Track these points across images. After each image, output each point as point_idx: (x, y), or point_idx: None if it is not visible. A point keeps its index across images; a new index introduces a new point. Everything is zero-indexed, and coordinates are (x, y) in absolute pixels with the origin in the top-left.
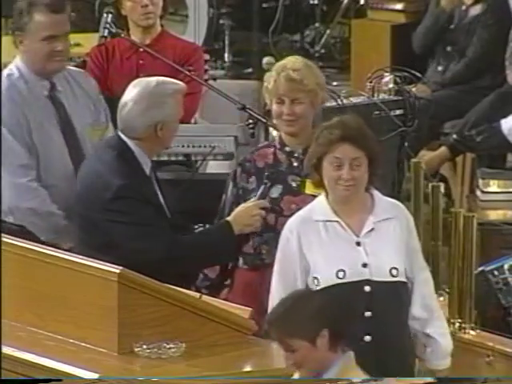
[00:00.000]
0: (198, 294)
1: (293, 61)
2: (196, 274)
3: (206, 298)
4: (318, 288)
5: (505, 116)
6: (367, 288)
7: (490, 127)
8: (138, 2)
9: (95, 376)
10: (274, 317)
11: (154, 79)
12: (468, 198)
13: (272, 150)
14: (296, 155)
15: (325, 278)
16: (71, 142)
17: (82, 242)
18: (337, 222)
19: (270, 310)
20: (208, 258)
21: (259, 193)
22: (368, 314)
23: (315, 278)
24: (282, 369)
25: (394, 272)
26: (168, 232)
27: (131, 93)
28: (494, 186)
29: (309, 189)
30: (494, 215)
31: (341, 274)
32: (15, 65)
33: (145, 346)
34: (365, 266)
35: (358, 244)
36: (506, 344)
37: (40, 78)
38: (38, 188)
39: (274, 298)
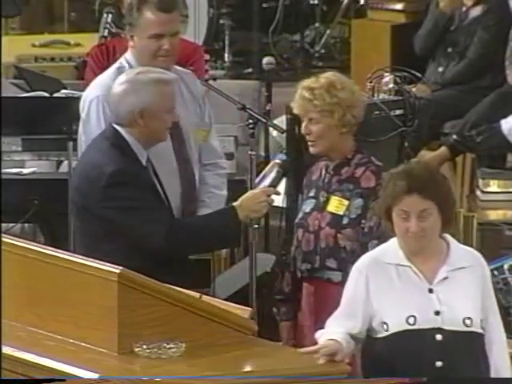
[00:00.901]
0: (198, 294)
1: (315, 79)
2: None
3: (206, 297)
4: (387, 333)
5: (505, 116)
6: (439, 337)
7: (490, 127)
8: None
9: (95, 376)
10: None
11: (141, 68)
12: (468, 197)
13: (323, 163)
14: (329, 171)
15: (395, 323)
16: (177, 142)
17: (83, 234)
18: (409, 267)
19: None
20: (211, 241)
21: (270, 180)
22: (439, 363)
23: (384, 323)
24: (282, 369)
25: (468, 322)
26: (168, 215)
27: (119, 79)
28: (494, 186)
29: (331, 207)
30: (494, 215)
31: (411, 320)
32: (125, 58)
33: (145, 346)
34: (437, 313)
35: (431, 291)
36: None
37: None
38: None
39: (326, 333)
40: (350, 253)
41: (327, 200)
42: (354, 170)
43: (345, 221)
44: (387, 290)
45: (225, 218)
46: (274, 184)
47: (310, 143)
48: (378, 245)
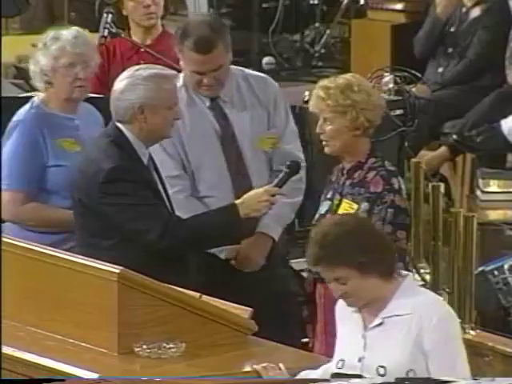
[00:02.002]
0: (197, 294)
1: (333, 79)
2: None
3: (206, 297)
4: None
5: (505, 116)
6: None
7: (490, 127)
8: (141, 2)
9: (95, 376)
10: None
11: (141, 66)
12: (468, 198)
13: (341, 165)
14: (343, 173)
15: (332, 365)
16: (230, 154)
17: (82, 229)
18: (357, 311)
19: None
20: (210, 238)
21: (276, 180)
22: None
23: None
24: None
25: (382, 371)
26: (166, 212)
27: (119, 78)
28: (494, 186)
29: (341, 210)
30: (494, 215)
31: (340, 364)
32: (183, 72)
33: (145, 346)
34: (359, 360)
35: (363, 336)
36: (506, 344)
37: None
38: (186, 199)
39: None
40: None
41: (339, 203)
42: (366, 174)
43: None
44: (342, 330)
45: (225, 215)
46: (280, 184)
47: (323, 143)
48: None
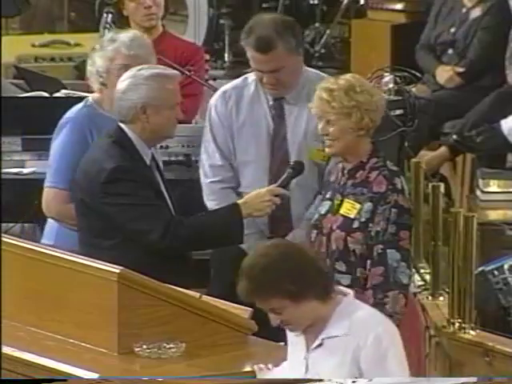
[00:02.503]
0: (198, 294)
1: (334, 80)
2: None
3: (206, 297)
4: None
5: (505, 116)
6: None
7: (490, 128)
8: (141, 3)
9: (95, 376)
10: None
11: (143, 65)
12: (468, 198)
13: (340, 165)
14: (344, 173)
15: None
16: (277, 156)
17: (83, 229)
18: (300, 333)
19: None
20: (212, 238)
21: (280, 180)
22: None
23: None
24: None
25: None
26: (168, 213)
27: (121, 78)
28: (494, 186)
29: (343, 210)
30: (494, 215)
31: None
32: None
33: (145, 346)
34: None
35: (305, 358)
36: (506, 344)
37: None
38: (222, 190)
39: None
40: (359, 256)
41: (341, 203)
42: (368, 174)
43: (355, 224)
44: (289, 352)
45: (227, 215)
46: (284, 184)
47: (326, 144)
48: (382, 250)
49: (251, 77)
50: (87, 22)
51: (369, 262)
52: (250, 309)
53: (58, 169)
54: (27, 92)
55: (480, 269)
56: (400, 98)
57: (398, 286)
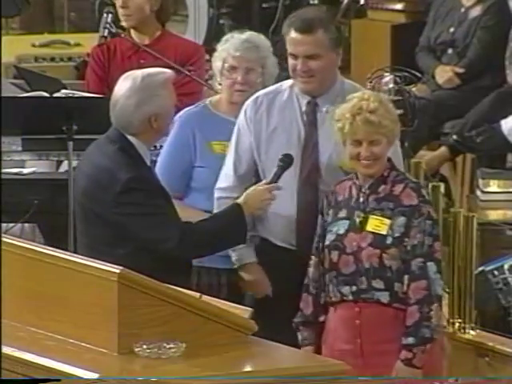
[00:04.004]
0: (198, 294)
1: (367, 100)
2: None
3: (206, 297)
4: None
5: (505, 116)
6: None
7: (490, 128)
8: (118, 2)
9: (95, 376)
10: None
11: (140, 72)
12: (468, 198)
13: (350, 183)
14: (363, 190)
15: None
16: (307, 163)
17: (91, 237)
18: None
19: None
20: (220, 242)
21: (272, 175)
22: None
23: None
24: (282, 369)
25: None
26: (179, 219)
27: (122, 88)
28: (494, 186)
29: (371, 226)
30: (494, 215)
31: None
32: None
33: (145, 346)
34: None
35: None
36: (505, 344)
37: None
38: (217, 200)
39: None
40: (396, 272)
41: (365, 220)
42: (392, 188)
43: (388, 240)
44: None
45: (233, 217)
46: (275, 179)
47: (366, 164)
48: (423, 263)
49: (286, 83)
50: (87, 22)
51: (406, 276)
52: (250, 309)
53: (160, 167)
54: (27, 92)
55: (480, 269)
56: (400, 98)
57: (437, 299)
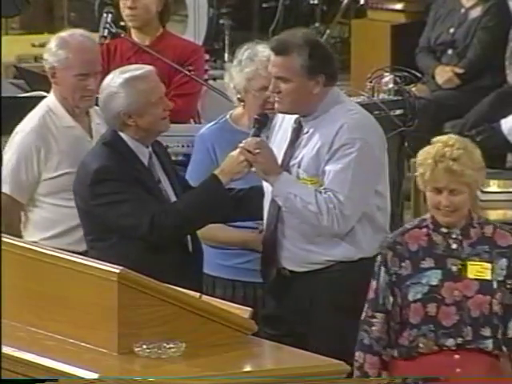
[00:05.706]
0: (198, 294)
1: (451, 146)
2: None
3: (206, 297)
4: None
5: (505, 116)
6: None
7: (490, 127)
8: (125, 3)
9: (95, 376)
10: None
11: (116, 71)
12: None
13: (425, 231)
14: (454, 236)
15: None
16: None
17: (85, 233)
18: None
19: None
20: (201, 215)
21: (250, 136)
22: None
23: None
24: (282, 369)
25: None
26: (155, 205)
27: (101, 87)
28: (493, 186)
29: (472, 273)
30: (494, 215)
31: None
32: None
33: (145, 346)
34: None
35: None
36: None
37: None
38: None
39: None
40: (501, 317)
41: (464, 267)
42: (482, 230)
43: (495, 285)
44: None
45: (209, 188)
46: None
47: (446, 213)
48: None
49: None
50: (87, 22)
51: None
52: (250, 309)
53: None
54: (27, 92)
55: None
56: (400, 97)
57: None
